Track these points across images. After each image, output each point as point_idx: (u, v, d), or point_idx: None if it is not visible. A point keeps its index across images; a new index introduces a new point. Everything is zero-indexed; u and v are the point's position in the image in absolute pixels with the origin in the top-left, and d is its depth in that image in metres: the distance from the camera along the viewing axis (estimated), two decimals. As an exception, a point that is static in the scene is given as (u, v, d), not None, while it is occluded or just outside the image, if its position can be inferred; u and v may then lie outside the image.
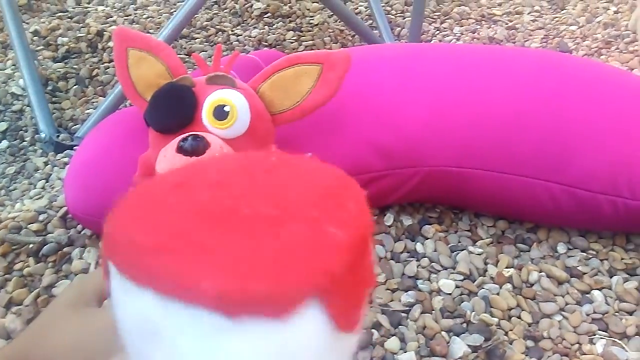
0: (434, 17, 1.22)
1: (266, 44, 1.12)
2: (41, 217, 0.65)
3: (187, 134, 0.52)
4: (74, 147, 0.79)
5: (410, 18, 1.20)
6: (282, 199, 0.24)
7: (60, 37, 1.05)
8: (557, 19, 1.18)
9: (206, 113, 0.55)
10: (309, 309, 0.22)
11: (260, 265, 0.21)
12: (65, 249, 0.63)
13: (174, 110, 0.55)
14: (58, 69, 0.96)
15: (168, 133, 0.55)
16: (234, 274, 0.20)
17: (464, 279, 0.62)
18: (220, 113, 0.55)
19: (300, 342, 0.22)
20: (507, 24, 1.18)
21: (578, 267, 0.64)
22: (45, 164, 0.77)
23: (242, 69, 0.70)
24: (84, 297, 0.47)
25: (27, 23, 1.10)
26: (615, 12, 1.18)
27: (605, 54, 1.05)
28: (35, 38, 1.05)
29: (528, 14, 1.21)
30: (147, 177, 0.59)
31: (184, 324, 0.21)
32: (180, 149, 0.51)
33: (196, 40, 1.12)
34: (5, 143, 0.81)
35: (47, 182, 0.74)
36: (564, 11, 1.22)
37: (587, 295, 0.61)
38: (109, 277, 0.24)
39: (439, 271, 0.63)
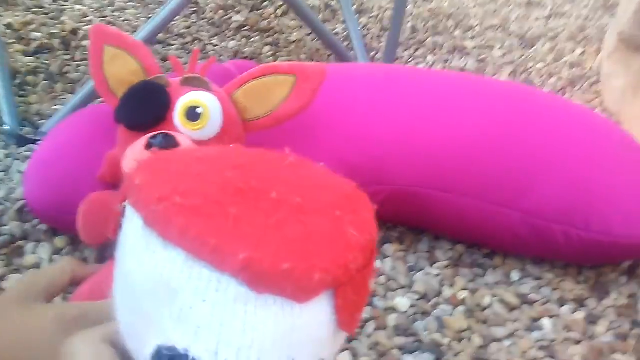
0: (409, 44, 1.25)
1: (242, 55, 1.13)
2: (-3, 209, 0.64)
3: (157, 132, 0.52)
4: (37, 142, 0.78)
5: (385, 43, 1.22)
6: (307, 192, 0.25)
7: (33, 32, 1.04)
8: (525, 56, 1.23)
9: (178, 113, 0.55)
10: (322, 299, 0.23)
11: (289, 247, 0.21)
12: (18, 242, 0.62)
13: (146, 107, 0.55)
14: (28, 63, 0.94)
15: (138, 130, 0.55)
16: (264, 249, 0.21)
17: (419, 298, 0.63)
18: (193, 114, 0.55)
19: (308, 328, 0.23)
20: (477, 57, 1.21)
21: (530, 295, 0.65)
22: (6, 156, 0.75)
23: (217, 76, 0.71)
24: (33, 293, 0.46)
25: (1, 15, 1.09)
26: (581, 54, 1.23)
27: (570, 92, 1.09)
28: (8, 31, 1.03)
29: (498, 48, 1.25)
30: (112, 175, 0.59)
31: (207, 289, 0.21)
32: (149, 146, 0.51)
33: (172, 46, 1.12)
34: (-34, 133, 0.79)
35: (6, 174, 0.72)
36: (533, 49, 1.26)
37: (537, 323, 0.62)
38: (127, 232, 0.23)
39: (396, 289, 0.64)
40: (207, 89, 0.59)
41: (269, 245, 0.21)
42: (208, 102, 0.57)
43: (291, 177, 0.27)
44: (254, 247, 0.21)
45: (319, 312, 0.23)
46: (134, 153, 0.52)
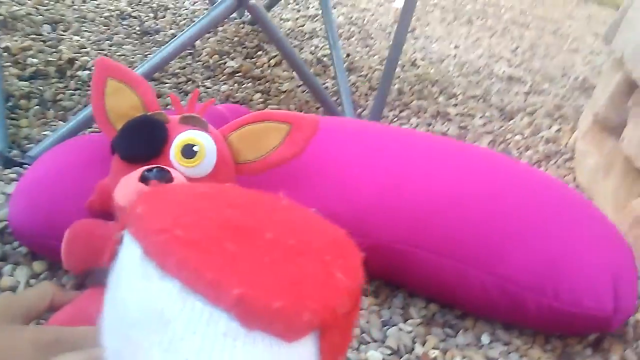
0: (394, 105, 1.30)
1: (234, 100, 1.15)
2: (-22, 228, 0.63)
3: (152, 166, 0.53)
4: (24, 165, 0.78)
5: (372, 102, 1.27)
6: (300, 235, 0.26)
7: (30, 58, 1.05)
8: (504, 127, 1.28)
9: (175, 150, 0.56)
10: (308, 340, 0.23)
11: (281, 286, 0.22)
12: (-3, 264, 0.61)
13: (144, 140, 0.57)
14: (22, 87, 0.95)
15: (134, 162, 0.56)
16: (258, 287, 0.22)
17: (392, 353, 0.64)
18: (189, 152, 0.56)
19: None
20: (459, 123, 1.26)
21: (499, 359, 0.66)
22: (-9, 176, 0.75)
23: (210, 117, 0.73)
24: (10, 314, 0.46)
25: (0, 38, 1.10)
26: (557, 131, 1.29)
27: (545, 166, 1.13)
28: (5, 54, 1.04)
29: (479, 117, 1.31)
30: (101, 204, 0.59)
31: (199, 320, 0.22)
32: (144, 179, 0.52)
33: (166, 85, 1.14)
34: (-48, 149, 0.79)
35: (-11, 194, 0.72)
36: (512, 121, 1.32)
37: (504, 386, 0.63)
38: (124, 260, 0.24)
39: (369, 343, 0.65)
40: (205, 129, 0.60)
41: (262, 283, 0.22)
42: (204, 141, 0.58)
43: (285, 219, 0.28)
44: (248, 283, 0.22)
45: (304, 353, 0.24)
46: (128, 184, 0.53)
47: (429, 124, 1.24)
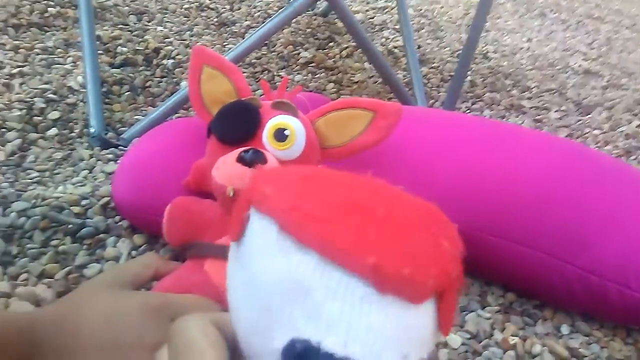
0: (467, 96, 1.29)
1: (307, 89, 1.18)
2: (83, 202, 0.68)
3: (248, 147, 0.56)
4: (119, 146, 0.83)
5: (444, 93, 1.27)
6: (404, 209, 0.27)
7: (119, 47, 1.11)
8: (581, 121, 1.25)
9: (267, 133, 0.59)
10: (430, 302, 0.25)
11: (405, 254, 0.24)
12: (101, 235, 0.66)
13: (239, 124, 0.60)
14: (114, 74, 1.01)
15: (229, 144, 0.59)
16: (389, 255, 0.24)
17: (471, 338, 0.65)
18: (281, 135, 0.59)
19: (419, 328, 0.25)
20: (534, 116, 1.25)
21: (579, 349, 0.66)
22: (91, 156, 0.81)
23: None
24: (120, 281, 0.49)
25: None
26: (638, 126, 1.25)
27: (625, 161, 1.10)
28: (97, 43, 1.11)
29: (555, 111, 1.28)
30: (197, 183, 0.63)
31: (338, 288, 0.24)
32: (241, 159, 0.55)
33: (243, 74, 1.18)
34: (54, 130, 0.85)
35: (90, 172, 0.77)
36: (589, 115, 1.29)
37: (585, 377, 0.63)
38: (255, 237, 0.26)
39: (448, 327, 0.66)
40: (295, 114, 0.63)
41: (390, 251, 0.24)
42: (295, 125, 0.61)
43: (387, 195, 0.30)
44: (379, 252, 0.24)
45: (427, 314, 0.26)
46: (227, 164, 0.56)
47: (502, 117, 1.23)
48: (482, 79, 1.39)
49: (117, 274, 0.51)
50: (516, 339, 0.65)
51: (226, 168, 0.56)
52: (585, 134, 1.19)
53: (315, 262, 0.24)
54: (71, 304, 0.46)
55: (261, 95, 0.69)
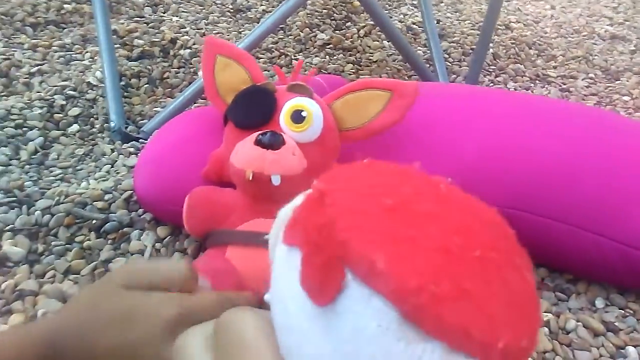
0: (490, 70, 1.26)
1: (325, 72, 1.17)
2: (106, 197, 0.69)
3: (266, 130, 0.56)
4: (140, 140, 0.84)
5: (466, 67, 1.24)
6: (487, 240, 0.24)
7: (136, 40, 1.11)
8: (610, 88, 1.21)
9: (284, 115, 0.59)
10: None
11: (516, 322, 0.22)
12: (125, 229, 0.66)
13: (256, 108, 0.59)
14: (132, 67, 1.01)
15: (247, 129, 0.58)
16: (509, 330, 0.21)
17: (502, 316, 0.63)
18: (298, 117, 0.58)
19: None
20: (560, 86, 1.21)
21: (615, 323, 0.64)
22: (112, 150, 0.81)
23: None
24: (136, 281, 0.48)
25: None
26: (669, 89, 1.20)
27: (657, 127, 1.06)
28: (113, 37, 1.11)
29: (582, 79, 1.24)
30: (215, 172, 0.62)
31: None
32: (259, 142, 0.54)
33: (260, 60, 1.17)
34: (75, 127, 0.86)
35: (112, 167, 0.78)
36: (618, 82, 1.24)
37: (622, 350, 0.61)
38: (356, 312, 0.22)
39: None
40: (311, 96, 0.62)
41: (510, 325, 0.21)
42: (312, 107, 0.60)
43: (464, 221, 0.25)
44: (504, 331, 0.21)
45: None
46: (244, 148, 0.56)
47: (527, 88, 1.20)
48: (505, 51, 1.35)
49: (132, 272, 0.48)
50: (549, 315, 0.64)
51: (244, 151, 0.56)
52: (614, 101, 1.15)
53: (440, 351, 0.21)
54: (89, 302, 0.44)
55: (277, 80, 0.68)
